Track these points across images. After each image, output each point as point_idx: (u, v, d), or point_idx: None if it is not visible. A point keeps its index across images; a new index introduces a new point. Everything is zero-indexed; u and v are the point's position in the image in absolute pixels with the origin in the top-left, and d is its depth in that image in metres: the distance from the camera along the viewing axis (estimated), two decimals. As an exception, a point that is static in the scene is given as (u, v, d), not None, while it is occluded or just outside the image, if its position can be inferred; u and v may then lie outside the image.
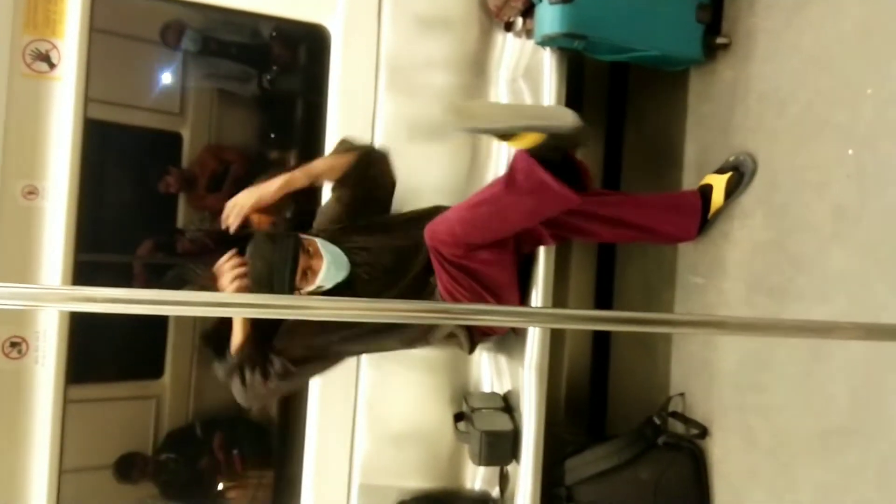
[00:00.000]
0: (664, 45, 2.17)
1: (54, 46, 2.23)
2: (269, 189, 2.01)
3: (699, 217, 2.20)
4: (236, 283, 1.88)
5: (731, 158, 2.15)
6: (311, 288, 1.98)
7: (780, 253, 2.00)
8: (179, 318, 3.32)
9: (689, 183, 2.38)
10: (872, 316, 1.71)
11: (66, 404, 2.35)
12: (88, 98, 2.32)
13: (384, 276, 2.13)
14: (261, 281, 1.90)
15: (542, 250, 2.24)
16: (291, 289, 1.92)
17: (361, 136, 2.34)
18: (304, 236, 2.00)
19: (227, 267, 1.91)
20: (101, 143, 2.68)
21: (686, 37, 2.21)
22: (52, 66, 2.23)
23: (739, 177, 2.12)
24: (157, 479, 3.32)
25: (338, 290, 2.05)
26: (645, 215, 2.17)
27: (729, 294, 2.18)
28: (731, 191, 2.14)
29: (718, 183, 2.15)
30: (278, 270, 1.90)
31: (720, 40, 2.21)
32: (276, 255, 1.91)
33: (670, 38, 2.18)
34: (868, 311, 1.73)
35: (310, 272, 1.96)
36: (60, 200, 2.23)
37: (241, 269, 1.89)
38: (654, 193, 2.35)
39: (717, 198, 2.16)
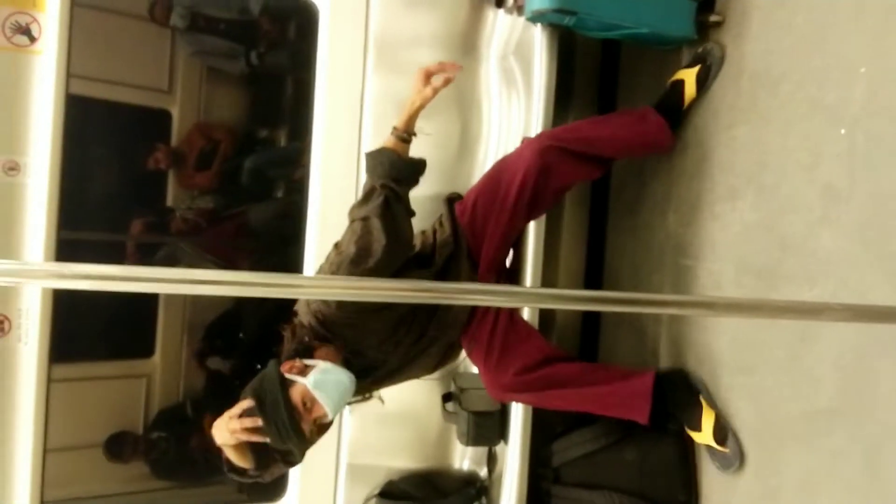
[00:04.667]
0: (655, 23, 2.14)
1: (35, 19, 2.19)
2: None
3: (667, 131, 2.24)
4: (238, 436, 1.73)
5: (699, 50, 2.19)
6: (328, 420, 1.83)
7: (770, 234, 1.98)
8: (170, 297, 3.30)
9: (678, 164, 2.35)
10: (860, 298, 1.69)
11: (51, 383, 2.34)
12: (71, 73, 2.29)
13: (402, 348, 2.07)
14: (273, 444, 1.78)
15: (531, 232, 2.22)
16: (301, 437, 1.79)
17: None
18: (290, 378, 1.80)
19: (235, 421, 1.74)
20: (86, 120, 2.63)
21: (678, 14, 2.17)
22: (32, 39, 2.19)
23: (707, 68, 2.18)
24: (148, 458, 3.32)
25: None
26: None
27: (718, 276, 2.17)
28: (702, 82, 2.19)
29: (689, 77, 2.20)
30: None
31: (713, 18, 2.18)
32: (279, 426, 1.74)
33: (661, 15, 2.15)
34: (856, 294, 1.71)
35: (316, 426, 1.83)
36: (42, 176, 2.20)
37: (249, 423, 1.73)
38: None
39: (690, 90, 2.22)
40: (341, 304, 1.88)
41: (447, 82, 1.94)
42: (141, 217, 3.40)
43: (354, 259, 1.87)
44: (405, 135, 1.96)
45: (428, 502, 2.35)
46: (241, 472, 1.90)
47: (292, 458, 1.97)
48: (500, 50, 2.44)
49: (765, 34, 2.05)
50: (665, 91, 2.27)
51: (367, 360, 2.02)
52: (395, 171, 1.93)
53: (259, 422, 1.72)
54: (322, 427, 1.92)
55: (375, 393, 2.13)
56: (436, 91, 1.93)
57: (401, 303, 1.95)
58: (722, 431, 2.05)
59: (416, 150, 2.21)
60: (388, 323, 1.99)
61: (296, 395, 1.76)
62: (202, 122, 3.52)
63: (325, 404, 1.77)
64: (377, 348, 2.02)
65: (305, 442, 1.82)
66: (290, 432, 1.73)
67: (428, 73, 1.93)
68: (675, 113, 2.26)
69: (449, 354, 2.21)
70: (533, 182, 2.03)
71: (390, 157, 1.94)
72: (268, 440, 1.75)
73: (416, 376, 2.20)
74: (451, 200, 2.24)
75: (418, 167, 2.01)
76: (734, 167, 2.12)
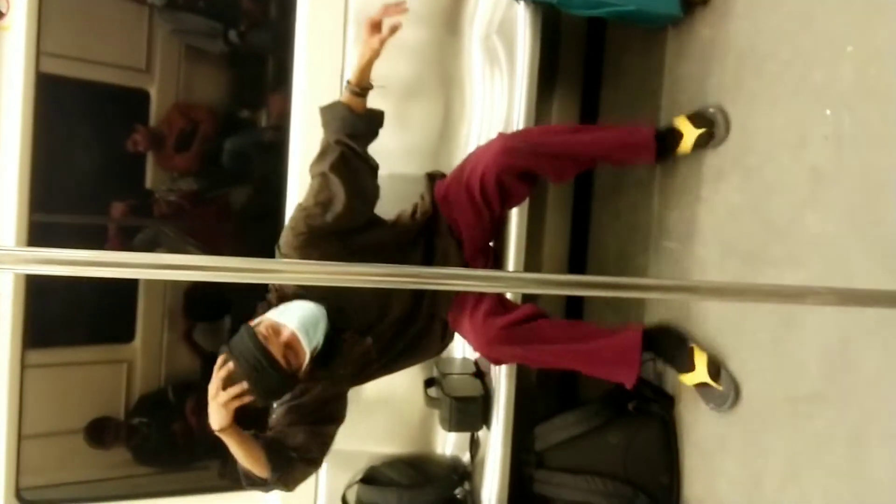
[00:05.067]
0: (641, 0, 2.10)
1: (2, -6, 2.13)
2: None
3: (652, 149, 2.11)
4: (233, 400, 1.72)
5: (710, 111, 2.08)
6: (307, 359, 1.80)
7: (755, 217, 1.95)
8: (150, 281, 3.25)
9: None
10: (847, 282, 1.67)
11: (26, 369, 2.30)
12: (42, 51, 2.22)
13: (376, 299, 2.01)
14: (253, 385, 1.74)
15: (514, 215, 2.19)
16: (286, 376, 1.77)
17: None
18: (255, 323, 1.79)
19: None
20: (59, 100, 2.57)
21: (664, -9, 2.13)
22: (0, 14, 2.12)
23: (709, 137, 2.07)
24: (130, 444, 3.29)
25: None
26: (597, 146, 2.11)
27: (703, 259, 2.15)
28: (700, 146, 2.10)
29: (689, 135, 2.09)
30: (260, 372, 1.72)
31: (699, -5, 2.14)
32: (248, 358, 1.71)
33: (647, -8, 2.11)
34: (842, 277, 1.69)
35: (290, 352, 1.78)
36: (12, 158, 2.14)
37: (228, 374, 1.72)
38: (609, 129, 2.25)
39: (685, 147, 2.11)
40: (302, 252, 1.87)
41: (394, 30, 1.88)
42: (119, 200, 3.34)
43: (313, 213, 1.88)
44: (358, 89, 1.93)
45: (411, 488, 2.33)
46: (261, 482, 1.88)
47: (312, 456, 1.97)
48: (483, 29, 2.39)
49: (751, 12, 2.01)
50: (661, 131, 2.16)
51: (354, 319, 1.98)
52: (348, 127, 1.92)
53: (232, 366, 1.71)
54: (332, 395, 1.97)
55: None
56: (383, 41, 1.88)
57: (370, 255, 1.94)
58: (715, 367, 2.03)
59: (397, 134, 2.18)
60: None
61: (262, 328, 1.75)
62: (181, 102, 3.44)
63: (289, 323, 1.76)
64: (361, 309, 1.98)
65: (288, 376, 1.76)
66: (263, 361, 1.69)
67: (373, 22, 1.88)
68: (665, 151, 2.16)
69: (449, 331, 2.20)
70: (494, 180, 1.99)
71: (342, 112, 1.92)
72: (246, 385, 1.70)
73: (425, 358, 2.23)
74: (433, 177, 2.22)
75: (374, 120, 1.99)
76: (719, 148, 2.09)
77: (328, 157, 1.91)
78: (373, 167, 1.99)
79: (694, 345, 2.10)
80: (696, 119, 2.09)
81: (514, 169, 2.00)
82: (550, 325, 2.07)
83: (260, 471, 1.85)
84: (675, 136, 2.12)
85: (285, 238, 1.92)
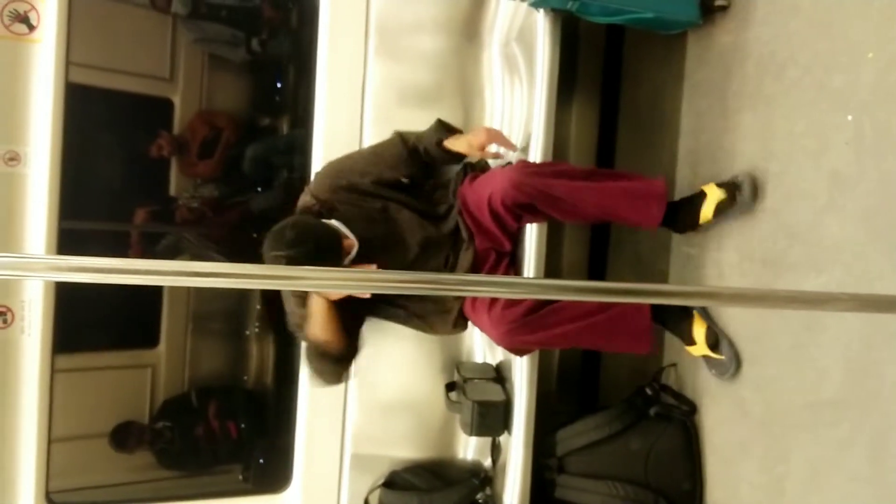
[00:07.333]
0: (660, 7, 2.11)
1: (33, 7, 2.18)
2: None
3: (662, 205, 2.06)
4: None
5: (738, 178, 2.02)
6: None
7: (775, 222, 1.95)
8: (174, 287, 3.30)
9: (683, 150, 2.33)
10: (867, 287, 1.67)
11: (55, 373, 2.34)
12: (71, 62, 2.27)
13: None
14: None
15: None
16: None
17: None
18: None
19: None
20: (87, 109, 2.62)
21: (683, -2, 2.14)
22: (31, 27, 2.18)
23: (732, 202, 2.03)
24: (154, 448, 3.33)
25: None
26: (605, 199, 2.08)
27: (722, 264, 2.15)
28: (721, 211, 2.05)
29: (712, 199, 2.05)
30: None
31: (718, 2, 2.14)
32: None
33: (666, 0, 2.11)
34: (863, 282, 1.69)
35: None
36: (42, 167, 2.19)
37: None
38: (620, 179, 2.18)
39: (707, 213, 2.06)
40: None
41: (496, 156, 2.21)
42: (144, 206, 3.39)
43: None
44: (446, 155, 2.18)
45: (432, 492, 2.34)
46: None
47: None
48: (503, 36, 2.41)
49: (771, 18, 2.02)
50: (685, 199, 2.14)
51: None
52: (430, 150, 2.19)
53: None
54: None
55: None
56: (483, 157, 2.19)
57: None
58: (714, 338, 2.07)
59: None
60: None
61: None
62: (205, 111, 3.50)
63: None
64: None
65: None
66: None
67: (489, 139, 2.13)
68: (681, 225, 2.16)
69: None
70: (500, 205, 2.03)
71: (433, 142, 2.18)
72: None
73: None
74: (471, 168, 2.28)
75: (450, 160, 2.21)
76: (740, 154, 2.09)
77: (410, 139, 2.20)
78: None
79: (697, 314, 2.12)
80: (723, 184, 2.05)
81: (520, 202, 2.02)
82: (566, 304, 2.08)
83: None
84: (697, 204, 2.08)
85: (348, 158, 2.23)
